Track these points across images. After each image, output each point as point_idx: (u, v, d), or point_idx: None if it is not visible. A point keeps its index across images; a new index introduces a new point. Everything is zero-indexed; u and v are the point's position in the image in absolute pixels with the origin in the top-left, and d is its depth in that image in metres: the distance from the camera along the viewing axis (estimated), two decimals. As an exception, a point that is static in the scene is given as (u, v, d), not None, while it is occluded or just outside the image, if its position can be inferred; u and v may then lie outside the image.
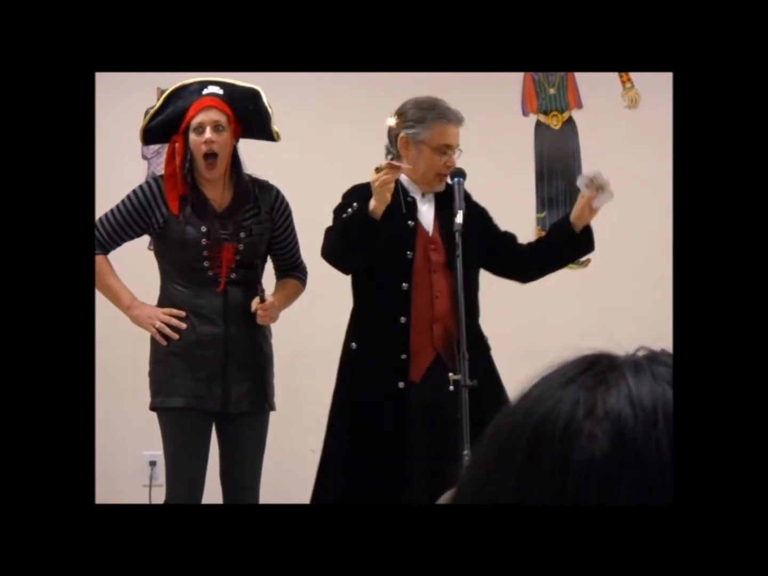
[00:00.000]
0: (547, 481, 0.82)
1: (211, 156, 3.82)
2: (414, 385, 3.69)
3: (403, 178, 3.74)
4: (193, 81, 3.90)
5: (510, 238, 3.94)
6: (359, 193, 3.64)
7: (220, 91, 3.87)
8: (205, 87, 3.88)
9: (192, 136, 3.82)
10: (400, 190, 3.71)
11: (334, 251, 3.71)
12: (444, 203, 3.76)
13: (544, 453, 0.83)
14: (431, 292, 3.73)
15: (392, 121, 3.75)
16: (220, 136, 3.82)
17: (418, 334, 3.71)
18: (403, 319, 3.71)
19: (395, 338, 3.71)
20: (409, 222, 3.75)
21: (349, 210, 3.63)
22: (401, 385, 3.68)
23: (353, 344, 3.80)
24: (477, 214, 3.85)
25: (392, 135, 3.79)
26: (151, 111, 3.87)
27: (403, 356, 3.69)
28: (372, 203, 3.56)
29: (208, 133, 3.79)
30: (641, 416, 0.82)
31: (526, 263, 3.90)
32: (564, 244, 3.83)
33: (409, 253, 3.73)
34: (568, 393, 0.84)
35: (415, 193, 3.79)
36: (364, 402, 3.72)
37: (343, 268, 3.82)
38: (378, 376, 3.71)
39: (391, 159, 3.74)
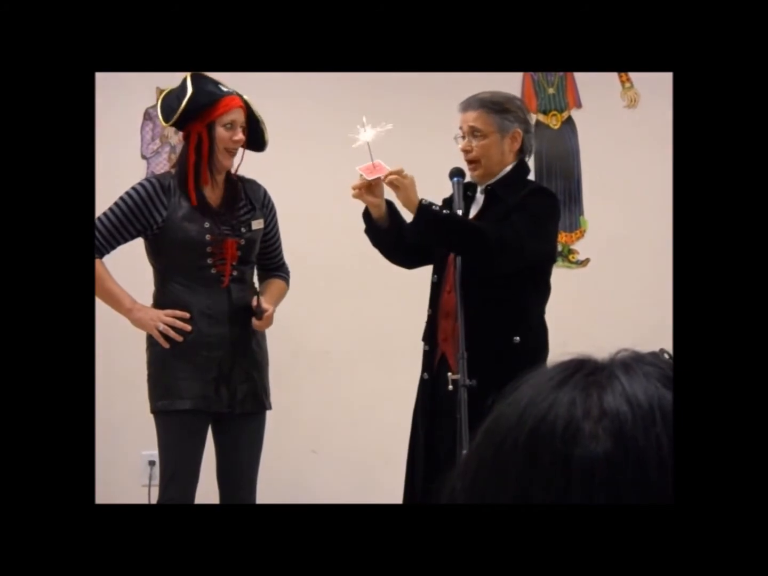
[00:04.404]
0: (550, 481, 0.82)
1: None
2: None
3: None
4: (203, 73, 3.89)
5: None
6: None
7: (235, 93, 3.90)
8: (217, 83, 3.89)
9: (220, 131, 3.85)
10: (458, 185, 3.75)
11: (377, 249, 3.87)
12: (492, 200, 3.75)
13: (544, 454, 0.83)
14: (448, 288, 3.76)
15: None
16: (243, 136, 3.90)
17: (439, 328, 3.77)
18: (430, 311, 3.81)
19: (425, 329, 3.83)
20: None
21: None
22: (425, 376, 3.78)
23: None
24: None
25: None
26: (189, 94, 3.81)
27: (426, 348, 3.79)
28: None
29: (240, 134, 3.87)
30: (639, 413, 0.83)
31: None
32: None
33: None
34: (563, 394, 0.85)
35: (480, 186, 3.83)
36: (417, 395, 3.85)
37: (395, 263, 3.95)
38: (422, 367, 3.83)
39: None
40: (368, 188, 3.65)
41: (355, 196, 3.67)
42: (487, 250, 3.53)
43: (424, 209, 3.53)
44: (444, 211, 3.58)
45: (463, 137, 3.78)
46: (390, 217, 3.74)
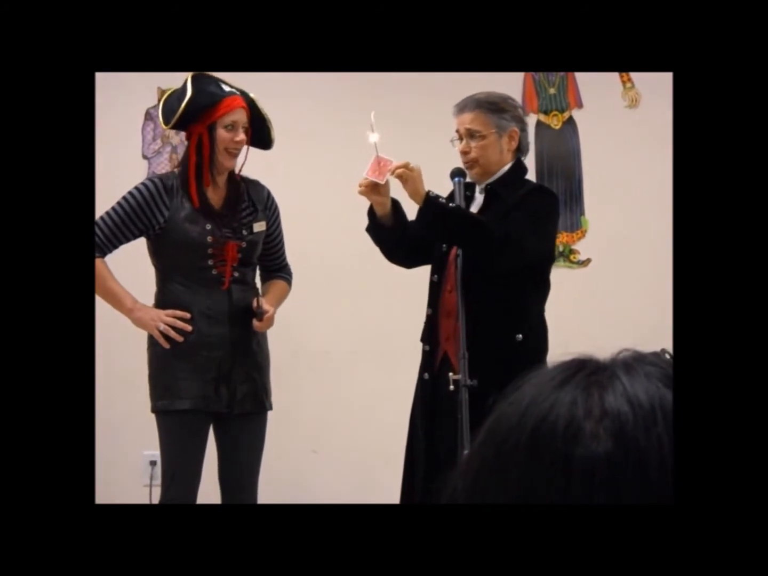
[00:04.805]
0: (551, 481, 0.82)
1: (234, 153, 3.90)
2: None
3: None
4: (205, 73, 3.89)
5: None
6: None
7: (237, 92, 3.89)
8: (220, 83, 3.89)
9: (221, 132, 3.85)
10: (459, 184, 3.77)
11: (379, 247, 3.87)
12: (492, 199, 3.75)
13: (545, 454, 0.83)
14: (449, 288, 3.75)
15: None
16: (245, 136, 3.89)
17: (440, 328, 3.76)
18: (430, 311, 3.80)
19: (424, 329, 3.83)
20: None
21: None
22: (426, 376, 3.77)
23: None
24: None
25: None
26: (188, 97, 3.80)
27: (426, 348, 3.78)
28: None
29: (241, 135, 3.86)
30: (640, 413, 0.82)
31: None
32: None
33: (444, 246, 3.79)
34: (564, 394, 0.85)
35: (478, 186, 3.84)
36: (415, 395, 3.85)
37: (395, 262, 3.94)
38: (420, 367, 3.82)
39: None
40: (374, 186, 3.66)
41: (361, 193, 3.67)
42: (490, 245, 3.55)
43: (431, 201, 3.56)
44: (450, 204, 3.60)
45: (460, 139, 3.78)
46: (394, 216, 3.74)
